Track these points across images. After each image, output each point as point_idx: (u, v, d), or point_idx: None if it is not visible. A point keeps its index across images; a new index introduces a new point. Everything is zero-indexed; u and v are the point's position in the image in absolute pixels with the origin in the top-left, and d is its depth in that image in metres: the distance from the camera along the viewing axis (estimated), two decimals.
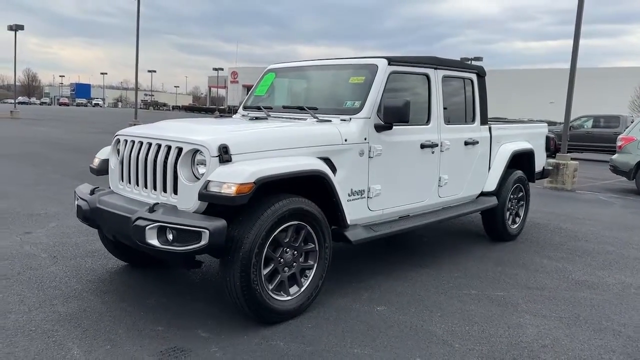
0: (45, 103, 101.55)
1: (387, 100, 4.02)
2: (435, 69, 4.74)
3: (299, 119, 4.23)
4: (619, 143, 10.90)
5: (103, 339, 3.10)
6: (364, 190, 4.03)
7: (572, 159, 11.19)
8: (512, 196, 5.87)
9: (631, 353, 3.21)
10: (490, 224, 5.81)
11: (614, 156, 10.92)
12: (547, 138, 6.75)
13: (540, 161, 6.57)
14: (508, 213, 5.83)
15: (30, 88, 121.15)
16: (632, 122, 14.36)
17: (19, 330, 3.16)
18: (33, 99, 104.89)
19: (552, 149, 6.85)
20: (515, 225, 6.01)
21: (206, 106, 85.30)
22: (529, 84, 50.84)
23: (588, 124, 18.55)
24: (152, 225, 3.10)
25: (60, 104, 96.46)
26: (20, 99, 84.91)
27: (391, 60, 4.28)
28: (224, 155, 3.21)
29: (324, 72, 4.88)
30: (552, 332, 3.46)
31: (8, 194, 7.37)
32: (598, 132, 17.81)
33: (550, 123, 19.24)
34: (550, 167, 7.54)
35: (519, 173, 5.96)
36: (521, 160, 6.10)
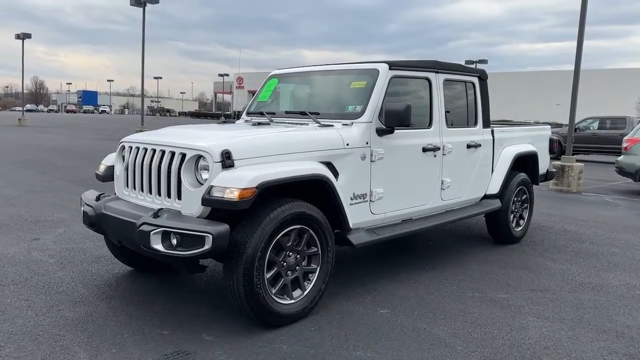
0: (52, 110, 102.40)
1: (388, 104, 4.05)
2: (437, 72, 4.77)
3: (301, 124, 4.28)
4: (624, 144, 10.86)
5: (109, 343, 3.14)
6: (366, 194, 4.06)
7: (578, 160, 11.16)
8: (515, 199, 5.88)
9: (634, 354, 3.22)
10: (494, 227, 5.82)
11: (620, 158, 10.88)
12: (551, 140, 6.75)
13: (544, 163, 6.57)
14: (512, 216, 5.83)
15: (38, 95, 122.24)
16: (638, 124, 14.31)
17: (26, 335, 3.21)
18: (41, 107, 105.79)
19: (555, 151, 6.84)
20: (519, 228, 6.01)
21: (212, 112, 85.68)
22: (535, 86, 50.70)
23: (594, 126, 18.47)
24: (156, 231, 3.14)
25: (68, 111, 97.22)
26: (28, 106, 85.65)
27: (392, 65, 4.31)
28: (227, 160, 3.25)
29: (326, 77, 4.93)
30: (554, 334, 3.47)
31: (16, 201, 7.46)
32: (604, 134, 17.73)
33: (556, 125, 19.24)
34: (554, 170, 7.52)
35: (522, 175, 5.97)
36: (524, 163, 6.11)
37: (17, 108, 78.24)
